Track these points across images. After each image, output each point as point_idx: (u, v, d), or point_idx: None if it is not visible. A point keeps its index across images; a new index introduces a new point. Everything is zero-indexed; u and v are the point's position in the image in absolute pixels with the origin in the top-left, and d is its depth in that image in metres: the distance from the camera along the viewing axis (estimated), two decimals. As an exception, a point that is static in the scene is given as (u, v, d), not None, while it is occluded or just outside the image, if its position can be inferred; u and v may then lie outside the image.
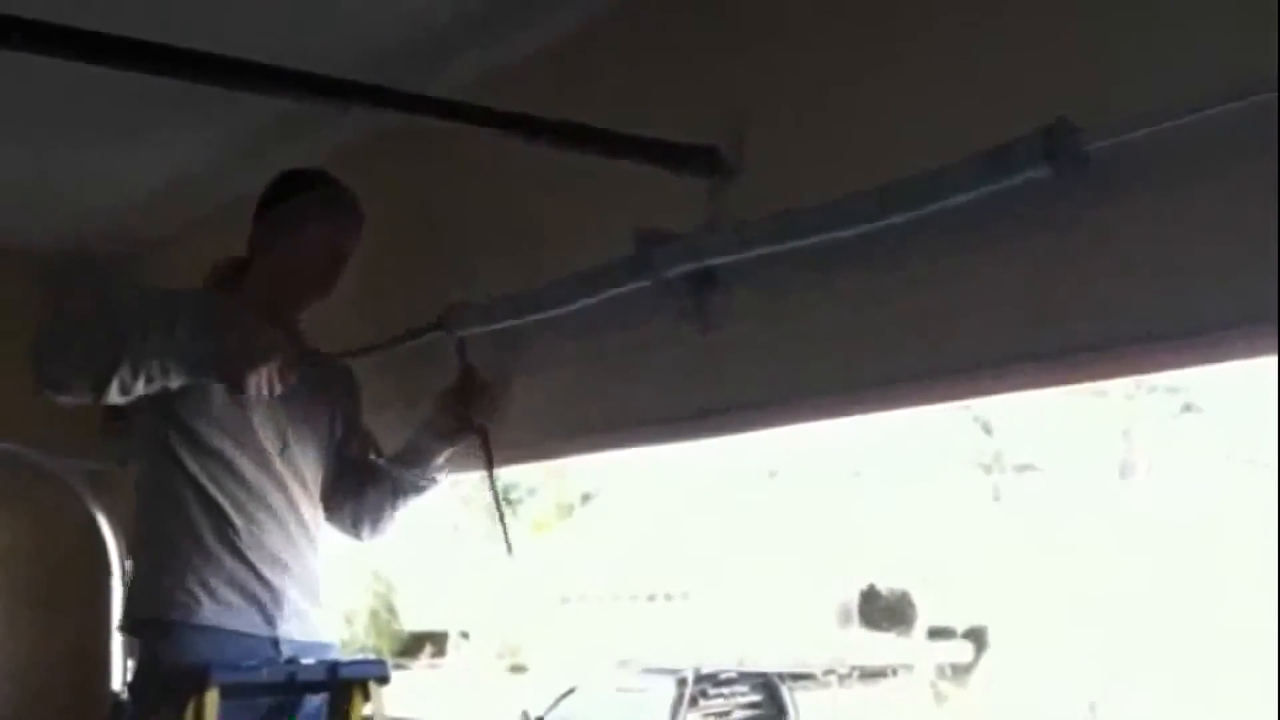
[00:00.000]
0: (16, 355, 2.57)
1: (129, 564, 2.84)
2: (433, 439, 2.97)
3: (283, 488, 2.82)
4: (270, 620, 2.75)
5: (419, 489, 3.01)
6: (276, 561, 2.77)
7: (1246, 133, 1.89)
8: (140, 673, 2.83)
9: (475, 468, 3.05)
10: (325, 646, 2.87)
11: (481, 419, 2.94)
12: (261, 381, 2.59)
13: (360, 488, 2.99)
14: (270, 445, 2.81)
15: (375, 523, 3.02)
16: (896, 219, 2.24)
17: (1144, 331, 2.06)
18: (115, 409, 2.68)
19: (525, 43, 3.04)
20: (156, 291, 2.75)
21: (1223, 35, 1.96)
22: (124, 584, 2.95)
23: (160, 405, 2.69)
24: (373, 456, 3.05)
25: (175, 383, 2.57)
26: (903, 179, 2.23)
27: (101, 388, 2.52)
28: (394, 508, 3.01)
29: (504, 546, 3.06)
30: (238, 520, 2.74)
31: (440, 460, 2.99)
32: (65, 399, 2.60)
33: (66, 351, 2.58)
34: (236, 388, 2.60)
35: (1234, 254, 1.96)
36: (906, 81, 2.38)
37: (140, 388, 2.54)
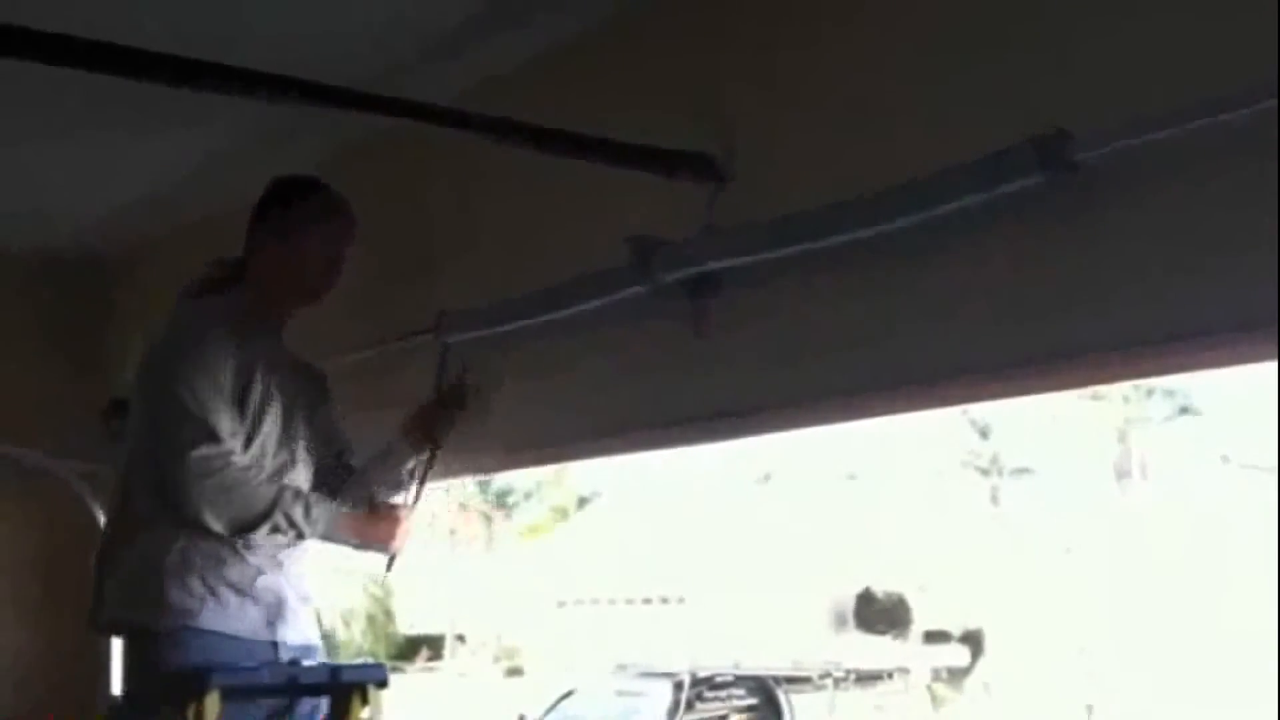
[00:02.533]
0: (10, 361, 2.58)
1: (119, 565, 2.81)
2: (404, 447, 3.03)
3: None
4: (270, 623, 2.76)
5: (397, 488, 3.04)
6: (276, 564, 2.78)
7: (1238, 141, 1.90)
8: (138, 676, 2.83)
9: (467, 473, 3.07)
10: (313, 649, 2.88)
11: (438, 438, 3.00)
12: (405, 541, 2.93)
13: (334, 492, 3.01)
14: (269, 451, 2.81)
15: None
16: (891, 225, 2.26)
17: (1138, 336, 2.08)
18: (116, 410, 2.71)
19: (521, 50, 3.06)
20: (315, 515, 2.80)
21: (1217, 43, 1.98)
22: (108, 584, 2.90)
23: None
24: (349, 461, 3.06)
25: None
26: (897, 186, 2.25)
27: (238, 537, 2.72)
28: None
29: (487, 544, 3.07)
30: None
31: (408, 467, 3.03)
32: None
33: (226, 515, 2.69)
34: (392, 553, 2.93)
35: (1226, 259, 1.98)
36: (901, 89, 2.40)
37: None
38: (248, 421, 2.75)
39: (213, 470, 2.64)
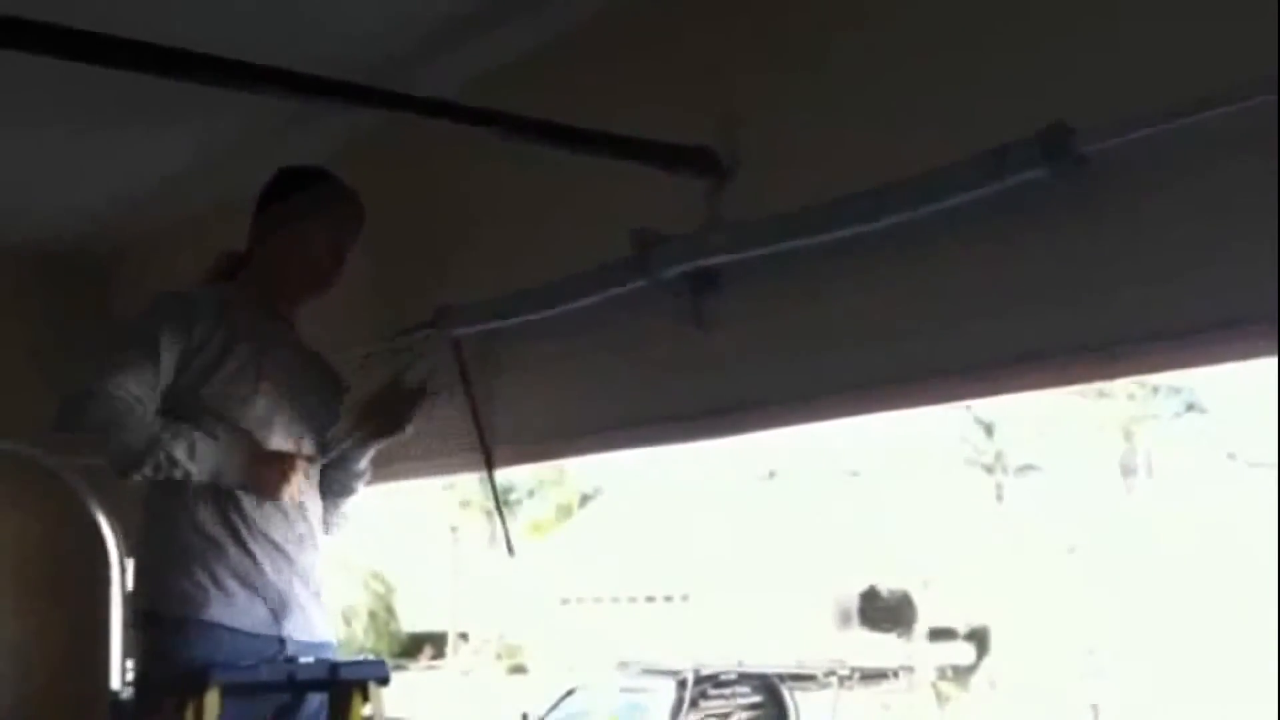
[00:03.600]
0: (10, 356, 2.58)
1: (132, 560, 2.84)
2: (354, 441, 3.00)
3: None
4: (276, 617, 2.75)
5: (345, 489, 3.03)
6: (283, 557, 2.77)
7: (1243, 135, 1.89)
8: (142, 671, 2.83)
9: (474, 469, 3.06)
10: (324, 645, 2.87)
11: (391, 427, 2.99)
12: (291, 491, 2.80)
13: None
14: (275, 445, 2.81)
15: (325, 526, 3.03)
16: (894, 220, 2.24)
17: (1143, 332, 2.06)
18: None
19: (521, 43, 3.04)
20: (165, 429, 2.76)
21: (1219, 38, 1.96)
22: (133, 579, 2.93)
23: (172, 403, 2.72)
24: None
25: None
26: (900, 180, 2.23)
27: (126, 477, 2.74)
28: (329, 509, 3.01)
29: (504, 545, 3.07)
30: (243, 515, 2.74)
31: (362, 464, 3.01)
32: None
33: (95, 437, 2.74)
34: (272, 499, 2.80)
35: (1232, 255, 1.96)
36: (903, 83, 2.38)
37: (159, 478, 2.73)
38: (211, 390, 2.75)
39: (105, 403, 2.65)
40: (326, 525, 2.99)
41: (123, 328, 2.81)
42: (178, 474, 2.69)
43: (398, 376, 3.06)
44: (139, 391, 2.67)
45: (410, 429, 3.00)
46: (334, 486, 3.00)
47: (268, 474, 2.78)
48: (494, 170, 3.12)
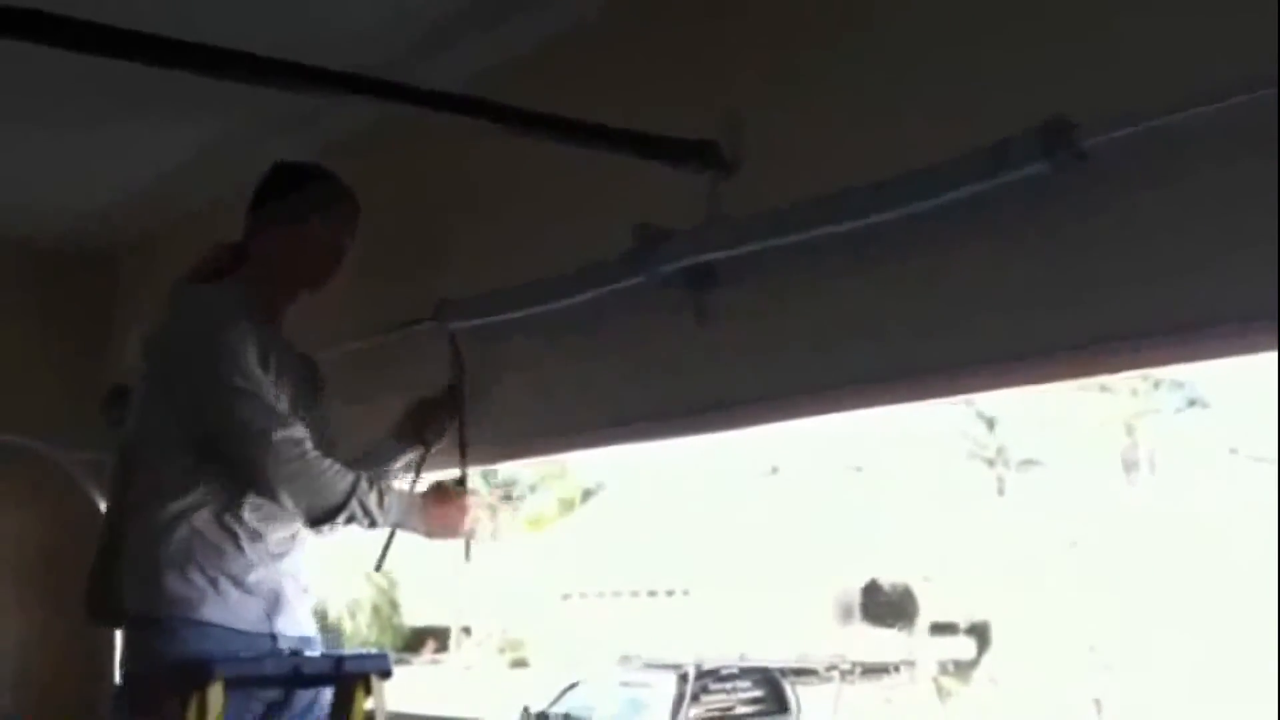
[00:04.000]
0: (12, 349, 2.57)
1: (119, 554, 2.80)
2: (392, 446, 3.06)
3: None
4: (268, 614, 2.75)
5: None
6: (276, 556, 2.77)
7: (1246, 129, 1.89)
8: (137, 666, 2.82)
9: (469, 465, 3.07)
10: (311, 641, 2.87)
11: (429, 439, 3.03)
12: (476, 526, 2.90)
13: None
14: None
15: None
16: (894, 214, 2.24)
17: (1143, 327, 2.06)
18: (116, 398, 2.70)
19: (523, 37, 3.04)
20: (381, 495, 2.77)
21: (1221, 31, 1.96)
22: (112, 573, 2.90)
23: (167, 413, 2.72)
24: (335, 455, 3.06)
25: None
26: (901, 175, 2.23)
27: (318, 528, 2.74)
28: None
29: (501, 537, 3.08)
30: (237, 514, 2.73)
31: (398, 464, 3.04)
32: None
33: (306, 502, 2.69)
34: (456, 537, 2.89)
35: (1234, 250, 1.96)
36: (904, 77, 2.38)
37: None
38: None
39: (294, 456, 2.63)
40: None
41: (234, 373, 2.73)
42: (365, 524, 2.72)
43: (453, 389, 3.11)
44: (303, 433, 2.68)
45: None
46: None
47: (453, 515, 2.86)
48: (495, 164, 3.13)
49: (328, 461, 2.68)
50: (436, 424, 3.07)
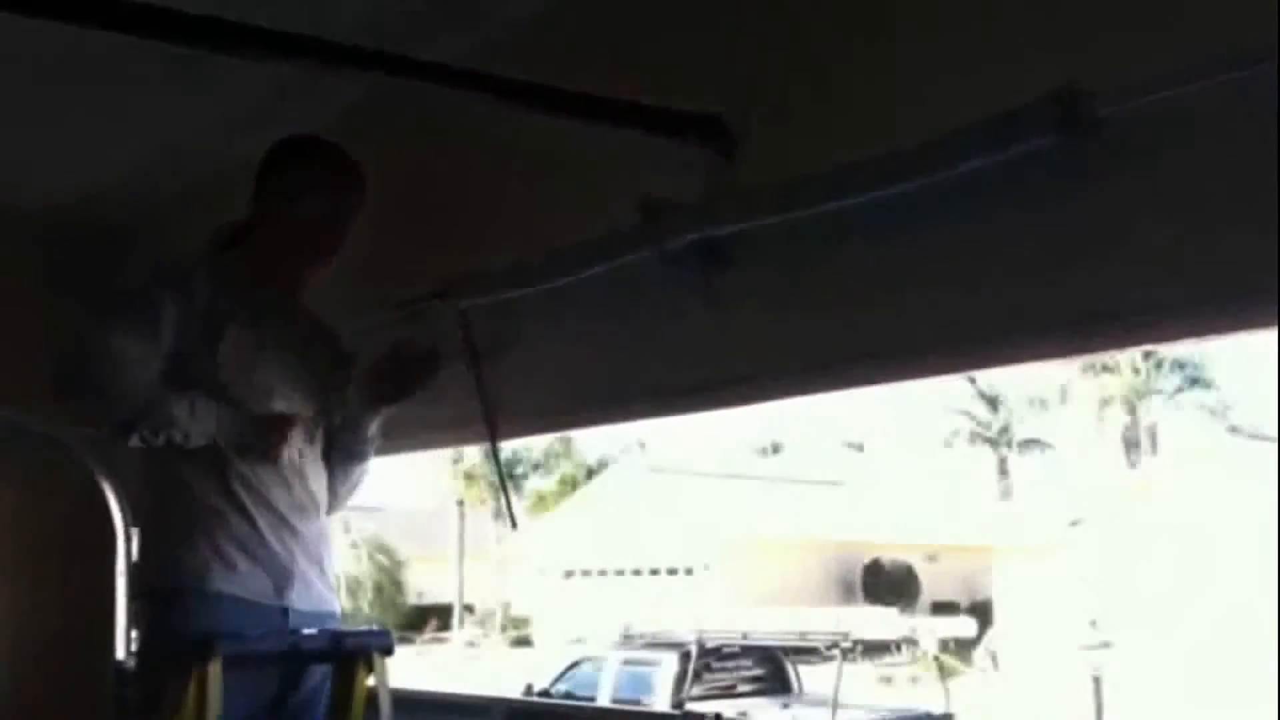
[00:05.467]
0: (16, 323, 2.57)
1: (136, 531, 2.83)
2: (362, 407, 2.98)
3: (291, 456, 2.81)
4: (279, 587, 2.74)
5: (354, 455, 3.01)
6: (285, 527, 2.76)
7: (1257, 102, 1.86)
8: (145, 642, 2.82)
9: (477, 440, 3.04)
10: (329, 616, 2.86)
11: (392, 394, 2.95)
12: (290, 453, 2.77)
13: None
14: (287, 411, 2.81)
15: (332, 496, 3.01)
16: (904, 187, 2.22)
17: (1151, 303, 2.04)
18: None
19: (529, 10, 3.02)
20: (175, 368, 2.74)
21: (1230, 5, 1.94)
22: (138, 552, 2.92)
23: (172, 373, 2.71)
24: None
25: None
26: (910, 147, 2.21)
27: (125, 438, 2.68)
28: (342, 480, 3.00)
29: (507, 518, 3.06)
30: (244, 484, 2.73)
31: (372, 430, 3.00)
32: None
33: (92, 398, 2.70)
34: (269, 462, 2.77)
35: (1242, 226, 1.94)
36: (914, 48, 2.35)
37: (161, 443, 2.69)
38: (211, 360, 2.72)
39: (102, 364, 2.64)
40: (334, 495, 2.99)
41: (122, 293, 2.78)
42: (177, 436, 2.66)
43: (401, 341, 3.03)
44: (138, 354, 2.66)
45: (418, 394, 2.97)
46: (343, 453, 2.98)
47: (266, 434, 2.76)
48: (502, 139, 3.10)
49: (140, 373, 2.65)
50: (406, 380, 2.96)
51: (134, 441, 2.67)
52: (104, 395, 2.67)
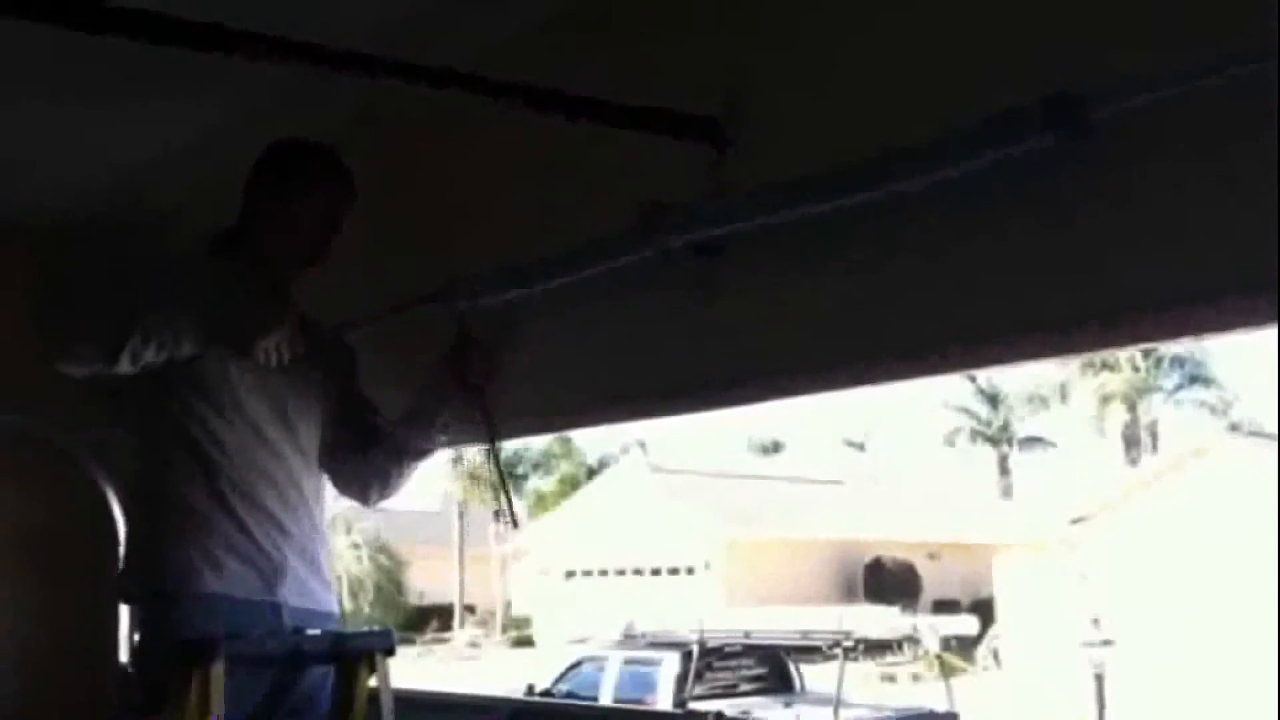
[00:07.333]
0: (15, 327, 2.57)
1: (123, 534, 2.83)
2: (431, 401, 2.97)
3: (278, 456, 2.80)
4: (269, 585, 2.74)
5: (421, 451, 3.01)
6: (274, 526, 2.76)
7: (1253, 100, 1.87)
8: (144, 644, 2.83)
9: (475, 440, 3.04)
10: (327, 616, 2.86)
11: (477, 380, 2.94)
12: (270, 349, 2.68)
13: (365, 452, 3.00)
14: (261, 415, 2.80)
15: (383, 486, 3.03)
16: (899, 188, 2.23)
17: (1149, 301, 2.05)
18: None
19: (525, 13, 3.02)
20: (164, 260, 2.74)
21: (1225, 2, 1.94)
22: (122, 554, 2.91)
23: (153, 376, 2.69)
24: (377, 420, 3.05)
25: (186, 351, 2.61)
26: (905, 147, 2.22)
27: (114, 356, 2.56)
28: (400, 471, 3.02)
29: (508, 518, 3.05)
30: (231, 485, 2.72)
31: (440, 422, 2.99)
32: (74, 369, 2.62)
33: (78, 320, 2.62)
34: (245, 355, 2.67)
35: (1240, 222, 1.95)
36: (908, 49, 2.35)
37: (151, 355, 2.58)
38: (198, 362, 2.69)
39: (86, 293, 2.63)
40: (381, 488, 3.00)
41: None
42: (168, 337, 2.57)
43: (464, 332, 2.98)
44: (123, 281, 2.63)
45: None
46: (407, 447, 2.99)
47: (244, 321, 2.67)
48: (499, 141, 3.11)
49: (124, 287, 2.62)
50: (475, 367, 2.93)
51: (125, 364, 2.57)
52: (92, 315, 2.59)
